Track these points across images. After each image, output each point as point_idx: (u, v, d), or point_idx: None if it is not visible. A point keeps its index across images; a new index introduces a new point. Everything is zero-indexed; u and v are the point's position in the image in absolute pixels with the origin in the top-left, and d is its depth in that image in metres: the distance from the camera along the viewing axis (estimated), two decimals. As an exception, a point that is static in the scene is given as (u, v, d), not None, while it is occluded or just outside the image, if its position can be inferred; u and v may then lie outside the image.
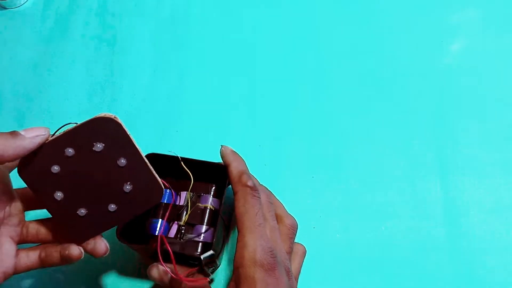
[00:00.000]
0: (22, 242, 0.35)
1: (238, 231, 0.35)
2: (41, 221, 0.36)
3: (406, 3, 0.54)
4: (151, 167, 0.34)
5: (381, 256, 0.44)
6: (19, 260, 0.35)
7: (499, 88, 0.50)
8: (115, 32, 0.57)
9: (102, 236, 0.35)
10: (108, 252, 0.35)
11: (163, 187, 0.34)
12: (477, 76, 0.50)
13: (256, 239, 0.33)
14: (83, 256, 0.34)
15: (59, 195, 0.33)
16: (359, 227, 0.45)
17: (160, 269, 0.36)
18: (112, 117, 0.32)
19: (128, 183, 0.33)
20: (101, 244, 0.35)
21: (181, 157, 0.39)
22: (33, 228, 0.36)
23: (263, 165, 0.48)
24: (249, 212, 0.35)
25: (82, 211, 0.34)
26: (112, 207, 0.34)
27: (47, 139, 0.32)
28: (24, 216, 0.36)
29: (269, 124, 0.51)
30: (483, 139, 0.48)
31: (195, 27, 0.57)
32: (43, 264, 0.35)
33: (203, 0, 0.58)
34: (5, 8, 0.60)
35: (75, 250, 0.34)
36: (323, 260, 0.44)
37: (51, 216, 0.35)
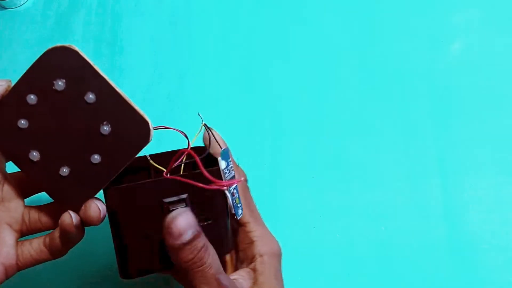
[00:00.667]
0: (26, 231, 0.32)
1: (247, 222, 0.35)
2: (43, 206, 0.33)
3: (406, 3, 0.54)
4: (127, 98, 0.28)
5: (381, 256, 0.44)
6: (22, 251, 0.31)
7: (499, 88, 0.50)
8: (115, 32, 0.57)
9: (95, 198, 0.30)
10: (104, 216, 0.30)
11: (148, 120, 0.28)
12: (477, 76, 0.50)
13: (268, 231, 0.35)
14: (75, 222, 0.29)
15: (35, 154, 0.28)
16: (359, 227, 0.45)
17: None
18: (67, 46, 0.27)
19: (105, 122, 0.28)
20: (91, 206, 0.30)
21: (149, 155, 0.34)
22: (35, 215, 0.32)
23: (263, 165, 0.48)
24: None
25: (65, 170, 0.29)
26: (95, 158, 0.28)
27: (7, 91, 0.27)
28: (23, 202, 0.32)
29: (269, 124, 0.51)
30: (483, 139, 0.48)
31: (195, 27, 0.57)
32: (51, 251, 0.31)
33: (203, 0, 0.58)
34: (5, 8, 0.60)
35: (65, 217, 0.29)
36: (323, 260, 0.44)
37: (52, 201, 0.31)
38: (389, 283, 0.43)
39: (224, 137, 0.50)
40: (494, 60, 0.51)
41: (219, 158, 0.33)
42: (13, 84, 0.28)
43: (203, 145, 0.36)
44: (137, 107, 0.28)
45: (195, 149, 0.34)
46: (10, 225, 0.31)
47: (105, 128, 0.28)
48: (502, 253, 0.43)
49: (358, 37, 0.54)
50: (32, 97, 0.27)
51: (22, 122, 0.28)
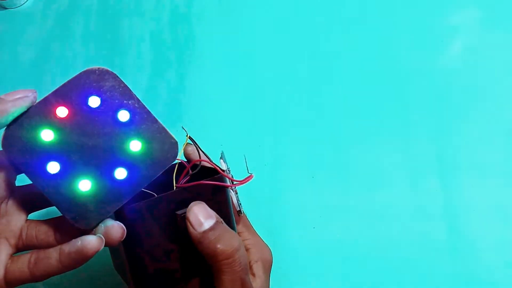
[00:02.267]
0: (22, 247, 0.30)
1: (241, 231, 0.36)
2: (44, 221, 0.30)
3: (406, 3, 0.54)
4: (157, 119, 0.29)
5: (381, 256, 0.44)
6: (12, 268, 0.28)
7: (499, 88, 0.50)
8: (116, 32, 0.57)
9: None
10: (124, 236, 0.28)
11: (176, 140, 0.29)
12: (477, 76, 0.50)
13: (261, 239, 0.36)
14: (103, 247, 0.27)
15: (53, 167, 0.28)
16: (359, 227, 0.45)
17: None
18: (104, 68, 0.28)
19: (135, 140, 0.29)
20: (113, 226, 0.28)
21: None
22: (32, 231, 0.30)
23: (263, 165, 0.48)
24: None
25: (85, 184, 0.28)
26: (120, 173, 0.28)
27: (33, 102, 0.27)
28: (25, 216, 0.31)
29: (269, 124, 0.51)
30: (483, 139, 0.48)
31: (195, 27, 0.57)
32: (31, 273, 0.28)
33: (203, 0, 0.58)
34: (5, 8, 0.60)
35: (91, 239, 0.27)
36: (323, 260, 0.44)
37: (56, 216, 0.30)
38: (389, 283, 0.43)
39: (224, 137, 0.51)
40: (494, 60, 0.51)
41: (220, 160, 0.33)
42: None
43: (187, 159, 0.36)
44: (166, 128, 0.29)
45: (182, 163, 0.34)
46: (7, 239, 0.29)
47: (135, 145, 0.29)
48: (502, 253, 0.43)
49: (358, 38, 0.54)
50: (63, 109, 0.28)
51: (46, 133, 0.28)
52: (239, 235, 0.36)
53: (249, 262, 0.35)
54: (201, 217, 0.29)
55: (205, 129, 0.51)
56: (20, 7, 0.60)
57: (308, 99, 0.51)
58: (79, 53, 0.56)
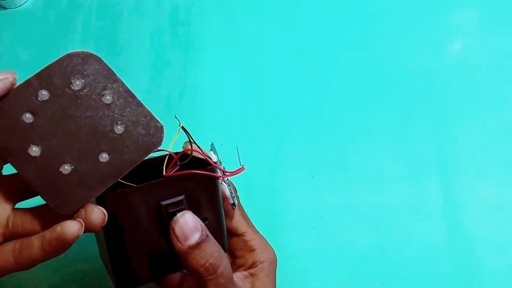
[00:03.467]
0: (9, 236, 0.29)
1: (245, 231, 0.36)
2: (29, 209, 0.30)
3: (406, 3, 0.54)
4: (143, 103, 0.29)
5: (381, 256, 0.44)
6: None
7: (499, 88, 0.50)
8: (116, 32, 0.57)
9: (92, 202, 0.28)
10: (106, 221, 0.28)
11: (161, 124, 0.29)
12: (477, 76, 0.50)
13: (266, 240, 0.36)
14: (82, 231, 0.27)
15: (34, 149, 0.27)
16: (359, 227, 0.45)
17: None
18: (88, 52, 0.28)
19: (119, 122, 0.28)
20: (94, 211, 0.27)
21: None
22: (18, 219, 0.29)
23: (263, 165, 0.48)
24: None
25: (66, 168, 0.27)
26: (104, 156, 0.28)
27: (13, 85, 0.27)
28: (12, 205, 0.30)
29: (269, 124, 0.51)
30: (483, 139, 0.48)
31: (195, 27, 0.57)
32: (16, 261, 0.27)
33: (203, 0, 0.58)
34: (5, 8, 0.60)
35: (71, 224, 0.26)
36: (323, 260, 0.44)
37: (42, 204, 0.29)
38: (389, 283, 0.43)
39: (224, 137, 0.51)
40: (493, 60, 0.51)
41: (211, 152, 0.33)
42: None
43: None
44: (151, 112, 0.29)
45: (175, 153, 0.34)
46: None
47: (119, 128, 0.28)
48: (502, 253, 0.43)
49: (358, 38, 0.54)
50: (44, 92, 0.27)
51: (28, 116, 0.27)
52: (243, 236, 0.36)
53: (255, 263, 0.35)
54: (187, 230, 0.29)
55: (205, 129, 0.51)
56: (20, 7, 0.60)
57: (308, 99, 0.51)
58: (79, 53, 0.56)
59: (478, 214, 0.45)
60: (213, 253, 0.29)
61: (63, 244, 0.26)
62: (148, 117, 0.29)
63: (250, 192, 0.47)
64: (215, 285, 0.29)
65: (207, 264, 0.29)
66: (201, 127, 0.51)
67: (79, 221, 0.27)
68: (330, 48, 0.54)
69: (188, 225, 0.29)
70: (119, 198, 0.29)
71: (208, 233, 0.30)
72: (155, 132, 0.29)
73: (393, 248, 0.44)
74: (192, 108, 0.52)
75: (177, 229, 0.29)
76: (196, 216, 0.30)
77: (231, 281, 0.30)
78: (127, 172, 0.29)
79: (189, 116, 0.52)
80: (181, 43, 0.56)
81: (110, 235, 0.30)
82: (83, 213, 0.27)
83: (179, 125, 0.33)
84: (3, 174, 0.30)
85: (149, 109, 0.29)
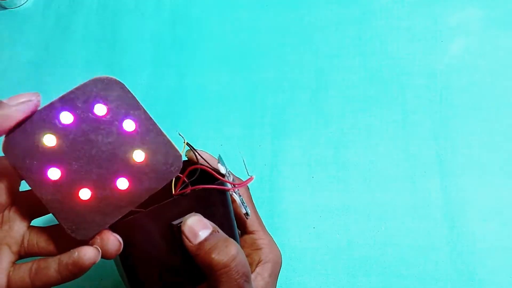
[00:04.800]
0: (24, 254, 0.29)
1: (256, 230, 0.36)
2: (44, 228, 0.30)
3: (406, 3, 0.54)
4: (163, 132, 0.29)
5: (381, 256, 0.44)
6: (14, 276, 0.28)
7: (499, 88, 0.50)
8: (115, 32, 0.57)
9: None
10: (121, 249, 0.28)
11: (180, 153, 0.29)
12: (477, 76, 0.50)
13: (273, 241, 0.36)
14: (99, 259, 0.27)
15: (54, 173, 0.27)
16: (359, 227, 0.45)
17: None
18: (112, 77, 0.28)
19: (139, 150, 0.28)
20: (110, 239, 0.27)
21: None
22: (33, 238, 0.29)
23: (263, 165, 0.48)
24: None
25: (85, 193, 0.27)
26: (122, 183, 0.28)
27: (37, 107, 0.27)
28: (27, 223, 0.30)
29: (269, 124, 0.51)
30: (483, 139, 0.48)
31: (195, 27, 0.57)
32: (32, 282, 0.27)
33: (203, 0, 0.58)
34: (5, 8, 0.60)
35: (88, 251, 0.26)
36: (323, 260, 0.44)
37: (57, 224, 0.29)
38: (389, 283, 0.43)
39: (224, 137, 0.51)
40: (493, 60, 0.51)
41: (218, 164, 0.33)
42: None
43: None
44: (171, 141, 0.29)
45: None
46: (9, 246, 0.29)
47: (139, 156, 0.28)
48: (502, 253, 0.43)
49: (358, 37, 0.54)
50: (67, 116, 0.27)
51: (49, 139, 0.27)
52: (253, 234, 0.36)
53: (259, 262, 0.35)
54: (196, 228, 0.29)
55: (205, 129, 0.51)
56: (20, 7, 0.60)
57: (308, 99, 0.51)
58: (79, 53, 0.56)
59: (478, 214, 0.45)
60: (225, 247, 0.29)
61: (80, 270, 0.27)
62: (168, 146, 0.29)
63: (250, 192, 0.47)
64: (229, 281, 0.28)
65: (218, 256, 0.28)
66: (201, 127, 0.51)
67: (96, 247, 0.27)
68: (331, 48, 0.54)
69: (196, 223, 0.29)
70: (130, 225, 0.29)
71: (219, 229, 0.30)
72: (174, 161, 0.29)
73: (393, 248, 0.44)
74: (192, 108, 0.52)
75: (186, 229, 0.29)
76: (201, 216, 0.30)
77: (247, 280, 0.29)
78: (144, 199, 0.29)
79: (189, 116, 0.52)
80: (181, 43, 0.56)
81: (125, 259, 0.30)
82: (98, 240, 0.27)
83: (184, 142, 0.32)
84: (20, 190, 0.30)
85: (169, 138, 0.29)
